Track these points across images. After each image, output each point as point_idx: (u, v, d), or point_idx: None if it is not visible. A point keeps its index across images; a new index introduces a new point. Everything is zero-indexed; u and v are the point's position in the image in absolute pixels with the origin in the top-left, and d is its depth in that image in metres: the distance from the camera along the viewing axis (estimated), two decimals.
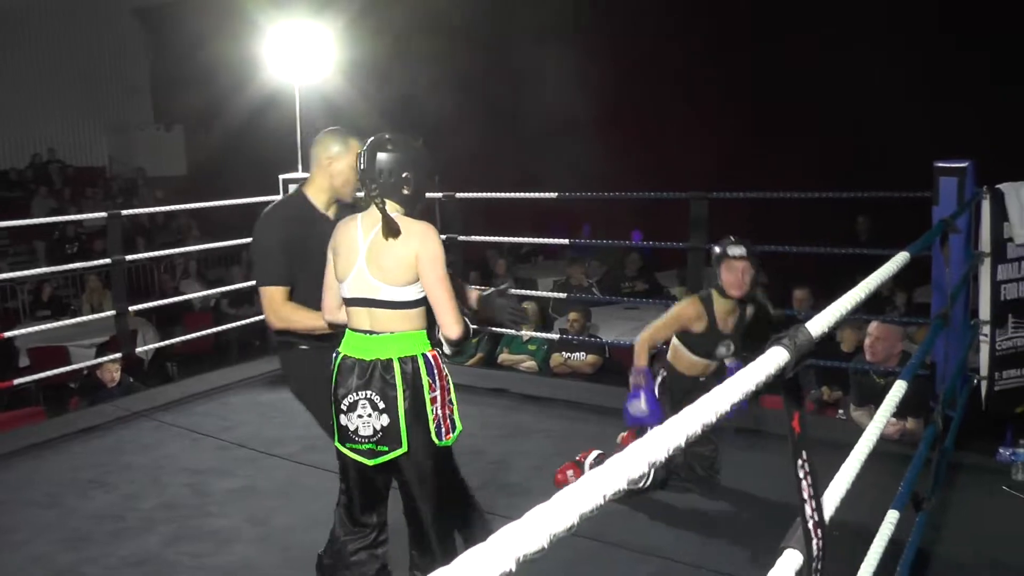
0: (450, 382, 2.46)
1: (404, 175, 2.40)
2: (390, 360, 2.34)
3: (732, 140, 9.68)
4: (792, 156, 8.79)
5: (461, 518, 2.69)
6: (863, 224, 8.64)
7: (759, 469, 3.73)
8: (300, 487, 3.81)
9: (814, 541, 1.30)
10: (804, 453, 1.29)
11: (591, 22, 10.63)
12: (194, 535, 3.38)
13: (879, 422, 1.82)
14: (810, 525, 1.30)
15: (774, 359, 1.14)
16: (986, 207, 3.95)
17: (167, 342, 6.27)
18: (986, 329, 4.00)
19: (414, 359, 2.36)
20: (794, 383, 1.24)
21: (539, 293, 7.16)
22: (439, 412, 2.39)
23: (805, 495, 1.31)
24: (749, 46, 9.69)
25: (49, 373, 4.88)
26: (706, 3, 9.98)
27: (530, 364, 6.09)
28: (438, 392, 2.39)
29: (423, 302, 2.38)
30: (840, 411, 5.01)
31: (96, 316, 5.87)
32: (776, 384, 1.17)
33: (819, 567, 1.31)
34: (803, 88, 9.18)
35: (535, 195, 5.66)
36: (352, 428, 2.41)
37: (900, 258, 1.93)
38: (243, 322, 6.29)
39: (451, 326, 2.36)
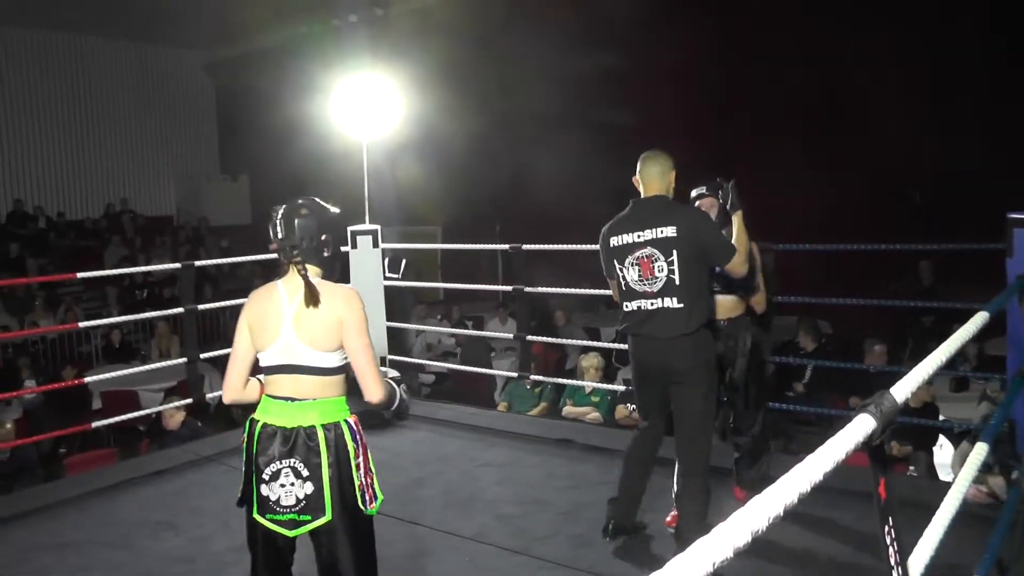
0: (369, 451, 2.45)
1: (323, 237, 2.46)
2: (313, 427, 2.33)
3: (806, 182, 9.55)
4: (847, 189, 8.63)
5: None
6: (926, 268, 8.47)
7: (836, 527, 3.63)
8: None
9: None
10: (891, 519, 1.28)
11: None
12: None
13: (961, 486, 1.78)
14: None
15: (861, 427, 1.15)
16: None
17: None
18: None
19: (337, 425, 2.36)
20: (880, 449, 1.24)
21: (602, 344, 7.09)
22: (363, 479, 2.37)
23: (892, 561, 1.30)
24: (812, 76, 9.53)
25: (124, 417, 5.02)
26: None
27: (595, 416, 6.02)
28: (362, 459, 2.38)
29: (345, 368, 2.41)
30: (911, 467, 4.88)
31: (169, 363, 6.04)
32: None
33: None
34: (866, 127, 9.06)
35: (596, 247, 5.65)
36: (274, 498, 2.36)
37: (979, 319, 1.91)
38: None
39: (374, 391, 2.40)
